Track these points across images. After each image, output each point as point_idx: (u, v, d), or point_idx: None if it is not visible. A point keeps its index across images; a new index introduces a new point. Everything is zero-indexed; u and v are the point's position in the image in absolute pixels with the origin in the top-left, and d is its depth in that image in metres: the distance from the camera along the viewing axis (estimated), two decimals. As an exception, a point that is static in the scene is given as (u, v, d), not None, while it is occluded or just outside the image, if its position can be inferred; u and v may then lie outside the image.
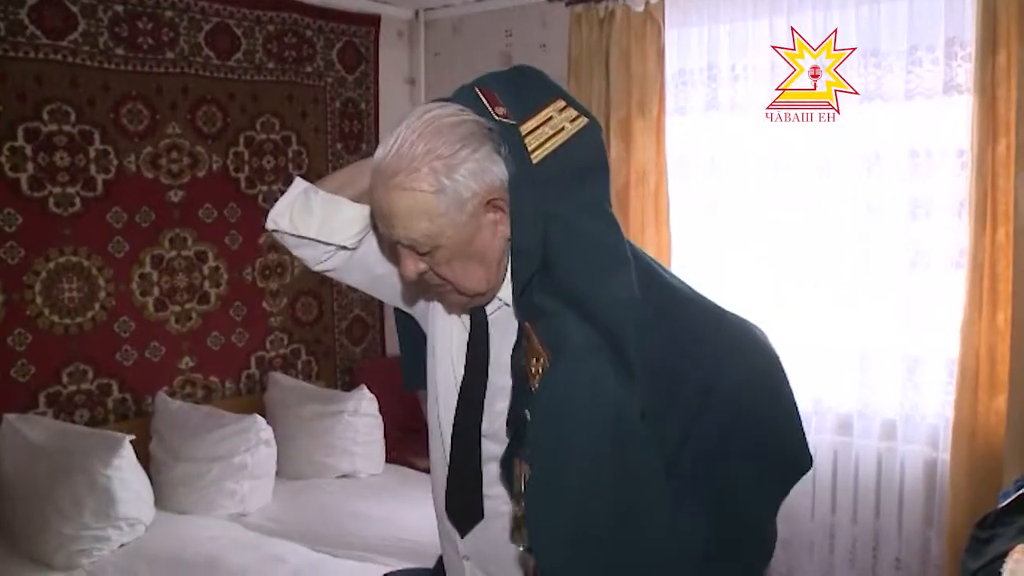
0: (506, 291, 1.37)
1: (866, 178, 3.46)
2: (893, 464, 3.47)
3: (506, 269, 1.36)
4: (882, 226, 3.44)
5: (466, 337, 1.45)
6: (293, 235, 1.54)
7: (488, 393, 1.41)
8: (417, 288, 1.51)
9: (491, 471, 1.43)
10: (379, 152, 1.29)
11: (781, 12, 3.52)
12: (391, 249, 1.46)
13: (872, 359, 3.51)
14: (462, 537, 1.49)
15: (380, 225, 1.34)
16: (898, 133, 3.36)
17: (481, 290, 1.35)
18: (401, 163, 1.25)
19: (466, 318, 1.46)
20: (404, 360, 1.68)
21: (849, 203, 3.50)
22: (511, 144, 1.28)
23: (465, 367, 1.44)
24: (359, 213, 1.51)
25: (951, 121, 3.24)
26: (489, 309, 1.42)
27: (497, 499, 1.43)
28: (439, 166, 1.24)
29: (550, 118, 1.31)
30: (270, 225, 1.56)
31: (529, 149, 1.28)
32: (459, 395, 1.45)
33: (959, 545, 2.84)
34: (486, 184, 1.27)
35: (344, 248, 1.54)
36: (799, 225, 3.61)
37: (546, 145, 1.29)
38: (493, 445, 1.41)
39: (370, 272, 1.60)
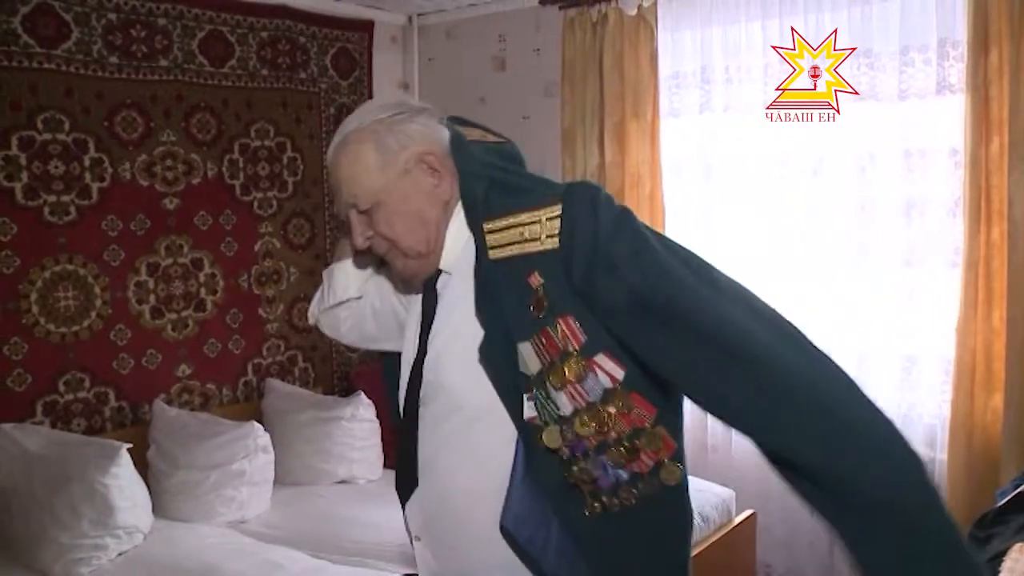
0: (449, 259, 1.47)
1: (860, 178, 3.47)
2: (891, 464, 3.47)
3: (446, 235, 1.47)
4: (876, 226, 3.45)
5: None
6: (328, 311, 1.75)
7: (425, 362, 1.48)
8: (371, 260, 1.65)
9: (437, 440, 1.47)
10: (334, 139, 1.49)
11: (773, 14, 3.53)
12: (347, 225, 1.54)
13: (868, 359, 3.52)
14: (403, 506, 1.54)
15: (335, 204, 1.52)
16: (891, 133, 3.37)
17: (422, 249, 1.46)
18: (348, 131, 1.45)
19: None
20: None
21: (843, 203, 3.51)
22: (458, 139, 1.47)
23: (419, 340, 1.51)
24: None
25: (944, 120, 3.26)
26: (439, 285, 1.50)
27: (449, 473, 1.46)
28: (379, 126, 1.44)
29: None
30: (312, 322, 1.81)
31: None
32: (411, 367, 1.52)
33: (957, 544, 2.84)
34: (420, 139, 1.44)
35: (356, 300, 1.72)
36: (794, 226, 3.62)
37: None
38: (427, 411, 1.49)
39: (373, 308, 1.72)
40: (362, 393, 3.96)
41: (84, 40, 3.40)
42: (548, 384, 1.33)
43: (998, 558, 2.25)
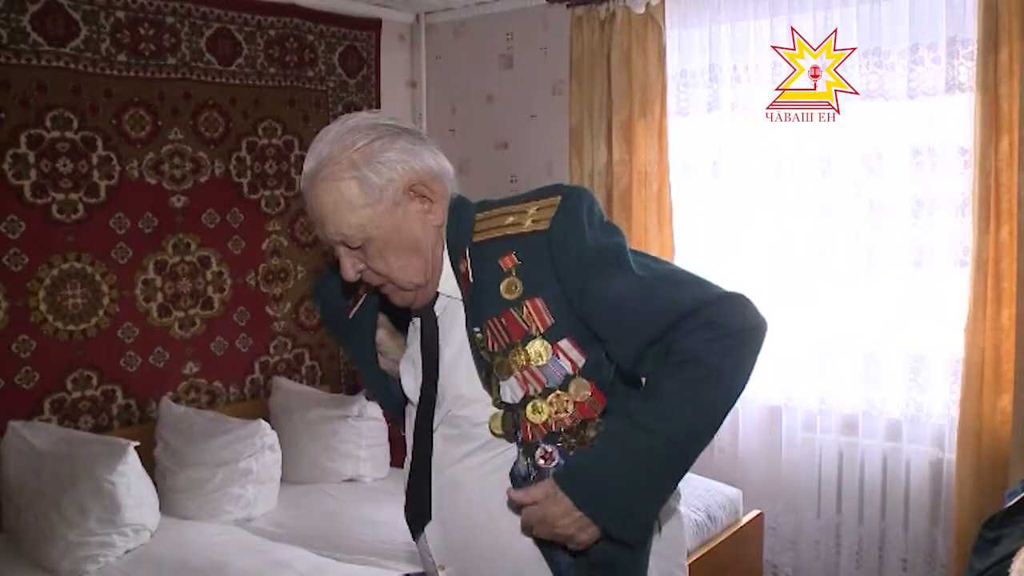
0: (447, 284, 1.44)
1: (869, 177, 3.46)
2: (899, 464, 3.46)
3: (442, 259, 1.43)
4: (885, 225, 3.44)
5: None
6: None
7: (439, 388, 1.46)
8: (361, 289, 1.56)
9: (457, 465, 1.45)
10: (305, 165, 1.40)
11: (782, 12, 3.53)
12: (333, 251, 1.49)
13: (877, 359, 3.51)
14: (415, 540, 1.53)
15: (318, 232, 1.43)
16: (900, 132, 3.36)
17: (419, 281, 1.42)
18: (322, 161, 1.37)
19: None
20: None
21: (852, 203, 3.50)
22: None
23: (422, 367, 1.49)
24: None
25: (953, 119, 3.25)
26: (438, 308, 1.47)
27: (474, 496, 1.44)
28: (357, 157, 1.35)
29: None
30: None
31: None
32: (420, 394, 1.50)
33: (965, 545, 2.83)
34: (406, 169, 1.37)
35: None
36: (802, 225, 3.61)
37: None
38: (443, 439, 1.47)
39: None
40: (369, 391, 3.96)
41: (92, 38, 3.40)
42: (506, 369, 1.35)
43: (1007, 559, 2.23)
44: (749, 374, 1.31)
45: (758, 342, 1.32)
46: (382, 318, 1.58)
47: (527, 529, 1.35)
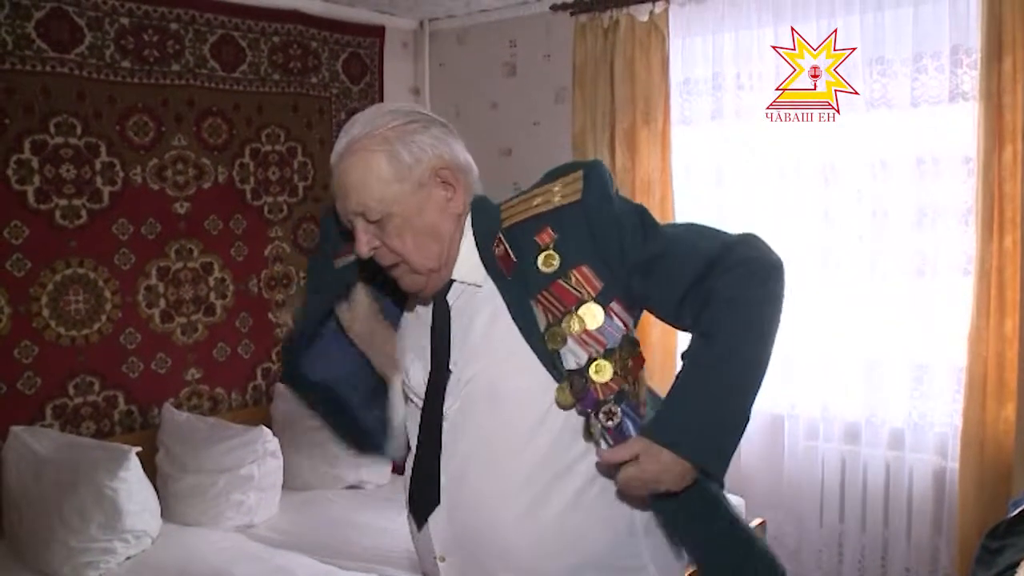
0: (462, 270, 1.46)
1: (872, 185, 3.46)
2: (901, 473, 3.45)
3: (459, 248, 1.46)
4: (888, 234, 3.44)
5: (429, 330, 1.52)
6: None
7: (452, 375, 1.46)
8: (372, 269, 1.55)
9: (468, 452, 1.45)
10: (337, 144, 1.44)
11: (785, 20, 3.53)
12: (350, 228, 1.47)
13: (879, 367, 3.50)
14: (419, 529, 1.52)
15: (339, 207, 1.45)
16: (904, 140, 3.36)
17: (434, 266, 1.44)
18: (355, 136, 1.41)
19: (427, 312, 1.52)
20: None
21: (855, 211, 3.50)
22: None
23: (432, 356, 1.50)
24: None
25: (957, 128, 3.24)
26: (451, 297, 1.48)
27: (484, 485, 1.44)
28: (390, 134, 1.40)
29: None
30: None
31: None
32: (427, 385, 1.50)
33: (969, 555, 2.83)
34: (435, 154, 1.41)
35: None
36: (805, 233, 3.60)
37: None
38: (455, 425, 1.47)
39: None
40: (371, 398, 3.95)
41: (97, 44, 3.41)
42: (559, 337, 1.38)
43: (1010, 570, 2.23)
44: (783, 301, 1.38)
45: (782, 272, 1.38)
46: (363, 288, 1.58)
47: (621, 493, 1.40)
